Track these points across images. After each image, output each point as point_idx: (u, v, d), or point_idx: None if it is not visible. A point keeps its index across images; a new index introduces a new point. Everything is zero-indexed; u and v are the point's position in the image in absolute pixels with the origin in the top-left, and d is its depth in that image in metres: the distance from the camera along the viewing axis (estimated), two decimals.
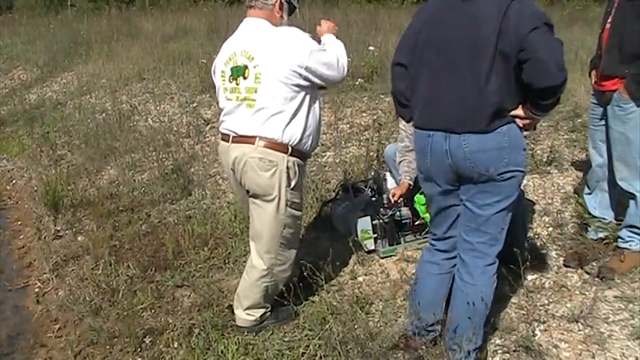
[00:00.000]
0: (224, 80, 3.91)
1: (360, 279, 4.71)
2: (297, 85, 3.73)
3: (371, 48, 10.31)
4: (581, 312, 3.92)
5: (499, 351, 3.72)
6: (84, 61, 13.70)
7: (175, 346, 4.10)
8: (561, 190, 5.52)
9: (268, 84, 3.70)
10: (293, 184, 3.86)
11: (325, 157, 7.05)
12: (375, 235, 4.96)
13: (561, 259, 4.57)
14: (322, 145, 7.33)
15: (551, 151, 6.03)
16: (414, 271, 4.64)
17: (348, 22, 13.95)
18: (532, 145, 6.25)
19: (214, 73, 4.10)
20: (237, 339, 4.00)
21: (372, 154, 6.58)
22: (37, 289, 5.36)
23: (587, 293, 4.16)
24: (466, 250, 3.41)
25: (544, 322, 3.91)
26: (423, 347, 3.49)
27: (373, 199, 5.28)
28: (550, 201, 5.35)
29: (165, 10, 19.46)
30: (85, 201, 6.79)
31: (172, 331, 4.29)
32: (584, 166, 5.59)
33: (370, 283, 4.65)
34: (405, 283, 4.50)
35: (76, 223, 6.39)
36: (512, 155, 3.16)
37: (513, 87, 3.05)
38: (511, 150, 3.16)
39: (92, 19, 17.71)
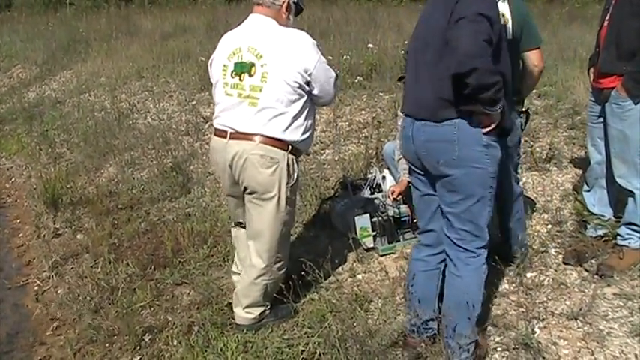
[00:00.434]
0: (225, 74, 3.87)
1: (359, 277, 4.71)
2: (301, 88, 3.73)
3: (370, 46, 10.33)
4: (580, 309, 3.92)
5: (498, 348, 3.72)
6: (83, 59, 13.71)
7: (175, 343, 4.10)
8: (560, 188, 5.53)
9: (274, 84, 3.69)
10: (292, 182, 3.87)
11: (324, 155, 7.06)
12: (374, 233, 4.97)
13: (560, 256, 4.57)
14: (321, 142, 7.34)
15: (550, 149, 6.04)
16: None
17: (347, 20, 13.96)
18: (531, 143, 6.27)
19: (211, 65, 4.06)
20: (237, 337, 3.99)
21: (371, 151, 6.58)
22: (36, 287, 5.36)
23: (586, 290, 4.16)
24: (449, 244, 3.46)
25: (543, 320, 3.91)
26: (422, 345, 3.50)
27: (372, 196, 5.29)
28: (549, 198, 5.35)
29: (164, 8, 19.47)
30: (85, 199, 6.79)
31: (172, 328, 4.29)
32: (583, 163, 5.60)
33: (369, 280, 4.65)
34: (404, 280, 4.49)
35: (76, 221, 6.38)
36: (464, 150, 3.20)
37: None
38: (462, 145, 3.19)
39: (91, 17, 17.73)
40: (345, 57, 9.84)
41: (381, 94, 8.53)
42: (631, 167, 4.18)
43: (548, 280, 4.32)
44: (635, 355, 3.54)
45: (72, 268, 5.46)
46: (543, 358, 3.58)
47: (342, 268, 4.83)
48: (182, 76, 10.67)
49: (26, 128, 9.87)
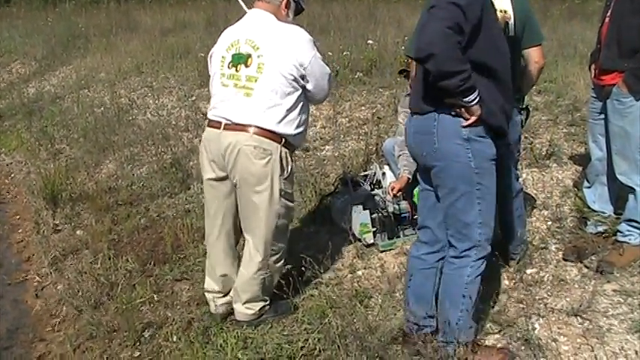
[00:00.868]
0: (222, 65, 3.90)
1: (359, 273, 4.70)
2: (296, 81, 3.76)
3: (370, 42, 10.31)
4: (580, 306, 3.92)
5: (498, 344, 3.72)
6: (82, 54, 13.67)
7: (174, 339, 4.09)
8: (560, 184, 5.52)
9: (270, 75, 3.72)
10: (286, 174, 3.88)
11: (324, 151, 7.05)
12: (374, 229, 4.96)
13: (560, 252, 4.57)
14: (321, 138, 7.33)
15: (550, 145, 6.03)
16: None
17: (347, 16, 13.93)
18: (531, 139, 6.26)
19: (211, 58, 4.09)
20: (236, 333, 3.99)
21: (370, 147, 6.58)
22: (35, 284, 5.36)
23: (586, 287, 4.16)
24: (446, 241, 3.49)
25: (543, 316, 3.91)
26: (421, 342, 3.50)
27: (372, 192, 5.28)
28: (549, 195, 5.34)
29: (164, 3, 19.37)
30: (84, 195, 6.78)
31: (171, 325, 4.28)
32: (583, 159, 5.59)
33: (369, 277, 4.65)
34: (405, 276, 4.49)
35: (75, 217, 6.38)
36: (444, 143, 3.22)
37: None
38: (441, 137, 3.22)
39: (90, 13, 17.66)
40: (344, 53, 9.83)
41: (380, 90, 8.51)
42: (632, 164, 4.18)
43: (548, 277, 4.32)
44: (636, 352, 3.54)
45: (71, 264, 5.45)
46: (543, 354, 3.58)
47: (342, 265, 4.83)
48: (182, 72, 10.65)
49: (25, 124, 9.84)
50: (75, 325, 4.55)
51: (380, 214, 4.99)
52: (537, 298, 4.09)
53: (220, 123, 3.84)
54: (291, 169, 3.94)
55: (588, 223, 4.69)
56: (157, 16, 16.44)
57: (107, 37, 14.42)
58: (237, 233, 4.16)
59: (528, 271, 4.35)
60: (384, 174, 5.43)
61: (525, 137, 6.09)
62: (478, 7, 3.05)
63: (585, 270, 4.35)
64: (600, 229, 4.59)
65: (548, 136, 6.17)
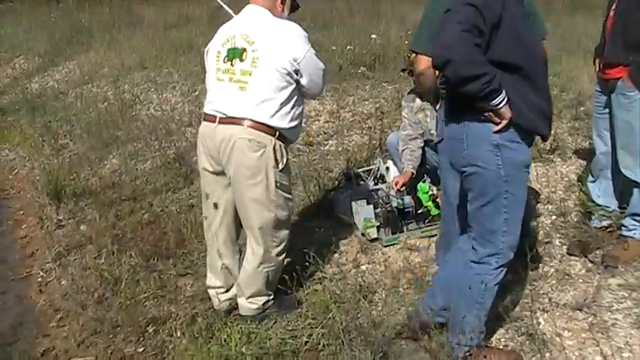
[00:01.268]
0: (218, 60, 3.93)
1: (363, 267, 4.70)
2: (289, 76, 3.78)
3: (373, 36, 10.30)
4: (585, 300, 3.92)
5: (502, 339, 3.71)
6: (85, 50, 13.66)
7: (178, 334, 4.09)
8: (565, 179, 5.51)
9: (264, 70, 3.75)
10: (281, 166, 3.89)
11: (328, 146, 7.04)
12: (378, 224, 4.96)
13: (565, 247, 4.57)
14: (324, 133, 7.33)
15: (554, 140, 6.02)
16: (417, 260, 4.65)
17: (351, 11, 13.92)
18: None
19: (207, 54, 4.12)
20: (240, 328, 3.99)
21: (374, 142, 6.57)
22: (39, 279, 5.35)
23: (590, 281, 4.16)
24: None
25: (547, 311, 3.90)
26: (426, 336, 3.50)
27: (376, 187, 5.27)
28: (553, 189, 5.34)
29: None
30: (87, 190, 6.77)
31: (175, 320, 4.28)
32: (587, 154, 5.58)
33: (373, 271, 4.64)
34: (409, 271, 4.49)
35: (79, 212, 6.37)
36: (473, 149, 3.15)
37: None
38: (470, 143, 3.15)
39: (94, 8, 17.62)
40: (348, 47, 9.82)
41: (384, 84, 8.51)
42: (637, 158, 4.17)
43: (553, 271, 4.31)
44: None
45: (75, 259, 5.45)
46: (548, 349, 3.57)
47: (346, 259, 4.83)
48: (185, 67, 10.64)
49: (29, 119, 9.83)
50: (79, 320, 4.54)
51: (384, 209, 4.99)
52: (542, 292, 4.08)
53: (215, 117, 3.86)
54: (286, 161, 3.96)
55: (593, 217, 4.69)
56: (160, 10, 16.44)
57: (110, 33, 14.41)
58: (238, 227, 4.16)
59: (533, 266, 4.34)
60: (387, 169, 5.43)
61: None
62: (498, 4, 2.95)
63: (590, 264, 4.35)
64: (605, 223, 4.59)
65: (552, 131, 6.16)
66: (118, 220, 5.99)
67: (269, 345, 3.79)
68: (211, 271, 4.27)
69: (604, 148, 4.48)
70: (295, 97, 3.89)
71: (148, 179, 6.89)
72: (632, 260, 4.31)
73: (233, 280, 4.18)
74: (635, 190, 4.27)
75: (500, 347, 3.64)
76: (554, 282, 4.19)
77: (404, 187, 5.07)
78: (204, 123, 3.98)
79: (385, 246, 4.90)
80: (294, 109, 3.89)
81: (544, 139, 3.37)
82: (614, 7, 4.16)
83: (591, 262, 4.36)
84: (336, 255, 4.84)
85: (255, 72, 3.76)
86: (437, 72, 3.86)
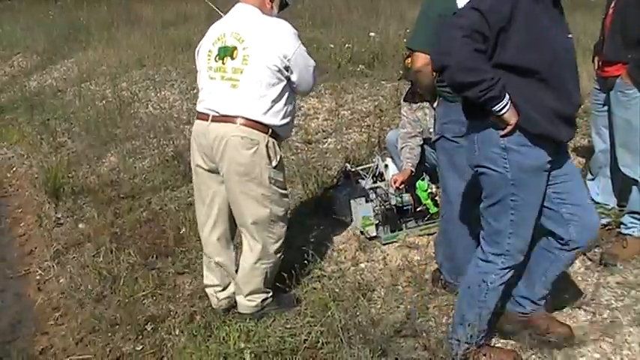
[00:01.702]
0: (209, 59, 3.95)
1: (362, 265, 4.70)
2: (280, 72, 3.80)
3: (372, 34, 10.31)
4: (584, 298, 3.92)
5: (500, 337, 3.71)
6: (84, 48, 13.65)
7: (177, 333, 4.09)
8: None
9: (254, 67, 3.77)
10: (274, 163, 3.90)
11: (326, 144, 7.04)
12: (377, 222, 4.95)
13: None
14: (323, 131, 7.33)
15: None
16: (416, 258, 4.65)
17: (349, 8, 13.92)
18: None
19: (198, 53, 4.14)
20: (239, 326, 3.98)
21: (373, 140, 6.57)
22: (38, 277, 5.35)
23: (589, 279, 4.16)
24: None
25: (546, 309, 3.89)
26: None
27: (375, 185, 5.27)
28: None
29: None
30: (86, 188, 6.77)
31: (174, 318, 4.28)
32: (585, 151, 5.58)
33: (372, 269, 4.64)
34: (407, 269, 4.49)
35: (77, 210, 6.37)
36: (483, 150, 3.12)
37: None
38: (481, 145, 3.13)
39: (92, 6, 17.60)
40: (347, 45, 9.83)
41: (383, 82, 8.51)
42: (636, 156, 4.17)
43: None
44: (639, 344, 3.53)
45: (74, 257, 5.45)
46: (547, 346, 3.56)
47: (345, 257, 4.82)
48: (183, 65, 10.63)
49: (27, 117, 9.82)
50: (77, 318, 4.54)
51: (382, 207, 4.99)
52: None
53: (208, 115, 3.88)
54: (280, 157, 3.97)
55: None
56: (159, 8, 16.45)
57: (108, 30, 14.41)
58: (232, 225, 4.16)
59: None
60: (386, 166, 5.43)
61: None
62: (506, 6, 2.87)
63: (589, 262, 4.35)
64: (604, 221, 4.57)
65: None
66: (116, 218, 6.00)
67: (268, 343, 3.79)
68: (208, 269, 4.27)
69: (603, 145, 4.48)
70: (287, 94, 3.91)
71: (146, 177, 6.89)
72: (631, 258, 4.31)
73: (229, 278, 4.19)
74: (634, 188, 4.27)
75: (499, 346, 3.63)
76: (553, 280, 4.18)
77: (403, 185, 5.07)
78: (197, 121, 4.00)
79: (384, 244, 4.90)
80: (286, 106, 3.91)
81: (561, 143, 3.20)
82: (613, 4, 4.16)
83: (590, 260, 4.35)
84: (335, 253, 4.84)
85: (247, 69, 3.78)
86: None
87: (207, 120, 3.87)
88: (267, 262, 4.03)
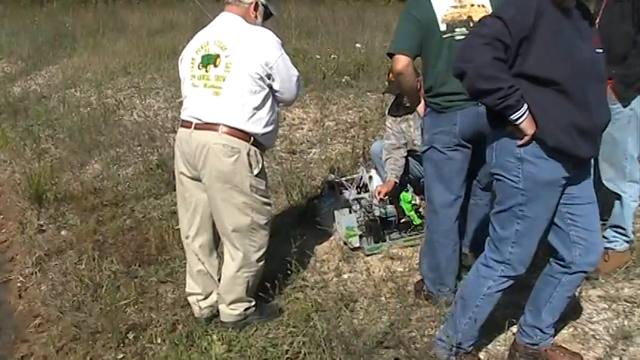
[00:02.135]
0: (192, 67, 3.97)
1: (345, 276, 4.70)
2: (262, 80, 3.82)
3: (357, 45, 10.33)
4: (566, 311, 3.93)
5: (483, 349, 3.72)
6: (69, 54, 13.62)
7: (159, 341, 4.08)
8: None
9: (237, 74, 3.79)
10: (256, 171, 3.91)
11: (311, 154, 7.04)
12: (360, 233, 4.96)
13: (547, 258, 4.57)
14: (308, 141, 7.33)
15: None
16: (399, 269, 4.66)
17: (335, 19, 13.95)
18: None
19: (181, 61, 4.15)
20: (221, 335, 3.97)
21: (357, 151, 6.58)
22: (19, 284, 5.32)
23: None
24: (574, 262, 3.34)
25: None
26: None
27: (359, 196, 5.28)
28: None
29: (152, 4, 19.34)
30: (69, 195, 6.73)
31: (156, 326, 4.26)
32: None
33: (355, 280, 4.64)
34: (390, 280, 4.49)
35: (60, 217, 6.33)
36: (499, 158, 3.13)
37: None
38: (498, 153, 3.13)
39: (78, 12, 17.59)
40: (332, 56, 9.84)
41: (368, 93, 8.54)
42: (619, 170, 4.20)
43: (534, 282, 4.31)
44: (620, 358, 3.55)
45: (55, 264, 5.41)
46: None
47: (328, 268, 4.82)
48: (169, 73, 10.60)
49: (10, 123, 9.76)
50: (58, 326, 4.51)
51: (366, 218, 4.99)
52: (522, 303, 4.08)
53: (191, 123, 3.90)
54: (262, 166, 3.99)
55: None
56: (145, 16, 16.46)
57: (94, 37, 14.39)
58: (216, 233, 4.15)
59: None
60: (370, 177, 5.44)
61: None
62: (529, 16, 2.86)
63: None
64: None
65: None
66: (99, 225, 5.97)
67: (250, 353, 3.78)
68: (190, 277, 4.26)
69: None
70: (269, 102, 3.92)
71: (130, 185, 6.87)
72: (613, 272, 4.33)
73: (212, 287, 4.17)
74: (617, 202, 4.30)
75: (481, 357, 3.64)
76: None
77: (387, 197, 5.09)
78: (180, 129, 4.02)
79: (367, 255, 4.91)
80: (268, 115, 3.92)
81: (580, 159, 3.10)
82: (597, 20, 4.18)
83: None
84: (318, 263, 4.84)
85: (229, 77, 3.80)
86: (415, 71, 3.92)
87: (190, 127, 3.89)
88: (248, 270, 4.02)
